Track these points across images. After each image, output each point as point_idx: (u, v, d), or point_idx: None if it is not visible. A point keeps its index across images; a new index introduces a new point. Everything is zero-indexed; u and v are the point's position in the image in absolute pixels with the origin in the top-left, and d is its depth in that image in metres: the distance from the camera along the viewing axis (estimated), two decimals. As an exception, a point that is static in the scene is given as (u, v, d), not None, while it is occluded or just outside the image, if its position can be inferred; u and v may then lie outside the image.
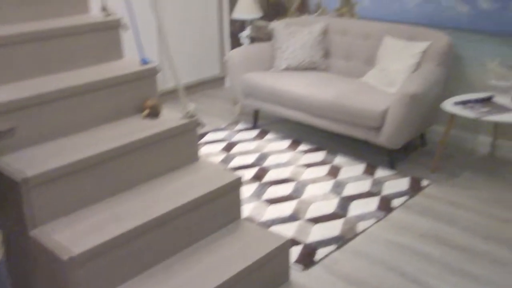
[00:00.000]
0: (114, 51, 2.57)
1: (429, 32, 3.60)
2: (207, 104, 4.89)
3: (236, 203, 2.37)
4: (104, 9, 2.55)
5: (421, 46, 3.50)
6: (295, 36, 4.09)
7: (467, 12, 3.55)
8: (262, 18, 4.80)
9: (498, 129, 3.56)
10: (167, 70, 4.85)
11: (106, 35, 2.53)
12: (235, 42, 5.17)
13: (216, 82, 5.41)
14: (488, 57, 3.50)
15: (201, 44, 5.14)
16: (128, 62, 2.52)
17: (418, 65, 3.50)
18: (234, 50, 4.10)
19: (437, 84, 3.37)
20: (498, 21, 3.42)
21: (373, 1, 4.04)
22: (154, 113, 2.39)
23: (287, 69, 4.09)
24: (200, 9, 5.02)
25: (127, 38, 2.91)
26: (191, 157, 2.42)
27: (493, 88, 3.41)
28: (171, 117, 2.41)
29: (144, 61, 2.46)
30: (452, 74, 3.69)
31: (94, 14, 2.65)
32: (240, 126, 4.26)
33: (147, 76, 2.43)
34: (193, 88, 5.20)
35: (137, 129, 2.26)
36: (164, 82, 4.84)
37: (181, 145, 2.35)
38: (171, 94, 4.91)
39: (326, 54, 4.15)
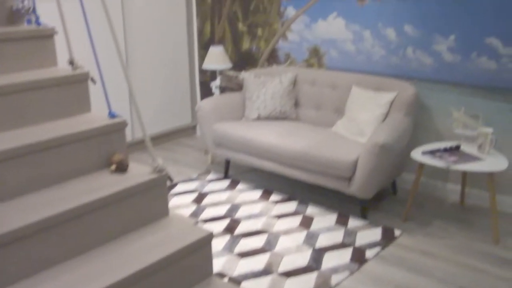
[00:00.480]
0: (82, 104, 2.54)
1: (395, 82, 3.68)
2: (179, 153, 4.85)
3: (208, 259, 2.31)
4: (71, 62, 2.53)
5: (388, 96, 3.56)
6: (265, 86, 4.13)
7: (431, 64, 3.66)
8: (232, 68, 4.85)
9: (466, 177, 3.61)
10: (137, 120, 4.82)
11: (74, 88, 2.50)
12: (206, 92, 5.20)
13: (188, 131, 5.39)
14: (453, 106, 3.59)
15: (172, 93, 5.14)
16: (96, 116, 2.48)
17: (386, 115, 3.56)
18: (204, 100, 4.11)
19: (405, 133, 3.41)
20: (460, 72, 3.53)
21: (340, 53, 4.14)
22: (121, 168, 2.34)
23: (258, 118, 4.11)
24: (172, 59, 5.06)
25: (95, 91, 2.90)
26: (161, 212, 2.37)
27: (459, 136, 3.47)
28: (139, 171, 2.36)
29: (112, 115, 2.43)
30: (419, 123, 3.76)
31: (62, 67, 2.63)
32: (211, 176, 4.21)
33: (115, 130, 2.40)
34: (165, 137, 5.17)
35: (104, 184, 2.21)
36: (136, 131, 4.80)
37: (149, 201, 2.29)
38: (143, 144, 4.87)
39: (296, 104, 4.19)
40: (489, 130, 3.19)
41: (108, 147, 2.41)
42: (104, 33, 3.90)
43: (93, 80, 2.57)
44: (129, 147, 4.72)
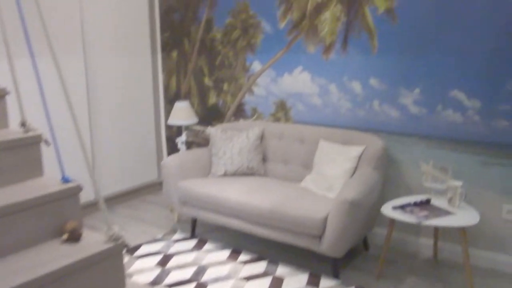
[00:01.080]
0: (34, 168, 2.39)
1: (363, 136, 3.64)
2: (144, 211, 4.67)
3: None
4: (23, 124, 2.40)
5: (356, 150, 3.51)
6: (232, 141, 4.05)
7: (398, 117, 3.64)
8: (199, 123, 4.77)
9: (438, 231, 3.54)
10: (101, 178, 4.65)
11: (25, 152, 2.36)
12: (173, 147, 5.08)
13: (154, 187, 5.23)
14: (422, 159, 3.55)
15: (138, 149, 5.01)
16: (48, 181, 2.33)
17: (355, 169, 3.50)
18: (169, 157, 3.99)
19: (375, 188, 3.34)
20: (427, 125, 3.51)
21: (307, 106, 4.10)
22: (74, 237, 2.18)
23: (225, 175, 4.00)
24: (137, 114, 4.95)
25: (49, 153, 2.75)
26: (117, 285, 2.19)
27: (429, 190, 3.42)
28: (93, 240, 2.20)
29: (65, 180, 2.29)
30: (389, 177, 3.70)
31: (14, 129, 2.49)
32: (177, 235, 4.04)
33: (68, 196, 2.25)
34: (131, 195, 4.99)
35: (54, 257, 2.04)
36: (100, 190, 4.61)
37: (104, 273, 2.13)
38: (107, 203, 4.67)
39: (264, 159, 4.10)
40: (458, 183, 3.15)
41: (61, 215, 2.25)
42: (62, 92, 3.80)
43: (47, 143, 2.44)
44: (92, 206, 4.53)
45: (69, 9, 4.22)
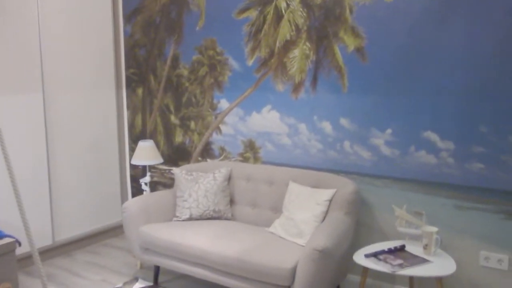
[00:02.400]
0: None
1: (334, 178, 3.48)
2: (105, 256, 4.39)
3: None
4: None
5: (327, 193, 3.34)
6: (197, 182, 3.84)
7: (369, 158, 3.50)
8: (165, 162, 4.56)
9: (413, 279, 3.36)
10: (59, 221, 4.38)
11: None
12: (138, 187, 4.85)
13: (118, 230, 4.96)
14: (395, 202, 3.39)
15: (100, 190, 4.75)
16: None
17: (325, 214, 3.32)
18: (131, 200, 3.75)
19: (347, 234, 3.16)
20: (400, 167, 3.38)
21: (276, 146, 3.94)
22: (8, 302, 1.93)
23: (190, 219, 3.77)
24: (100, 153, 4.72)
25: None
26: None
27: (403, 235, 3.25)
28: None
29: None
30: (361, 221, 3.54)
31: None
32: (138, 284, 3.77)
33: (2, 253, 2.01)
34: (92, 238, 4.71)
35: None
36: (58, 234, 4.33)
37: None
38: (66, 248, 4.39)
39: (231, 201, 3.90)
40: (434, 229, 2.99)
41: (-5, 274, 2.00)
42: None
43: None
44: (49, 251, 4.24)
45: (28, 41, 4.03)
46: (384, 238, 3.47)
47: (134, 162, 4.22)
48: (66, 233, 4.46)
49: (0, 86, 3.85)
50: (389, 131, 3.41)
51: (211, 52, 4.23)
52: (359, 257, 3.00)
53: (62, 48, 4.31)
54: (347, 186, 3.37)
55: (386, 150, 3.43)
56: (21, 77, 4.00)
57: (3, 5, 3.85)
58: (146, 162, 4.19)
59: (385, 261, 2.94)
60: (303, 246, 3.19)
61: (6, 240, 2.02)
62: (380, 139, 3.45)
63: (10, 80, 3.92)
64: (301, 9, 3.68)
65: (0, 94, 3.85)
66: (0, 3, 3.82)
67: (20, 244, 2.02)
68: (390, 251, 3.07)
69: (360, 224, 3.54)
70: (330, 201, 3.34)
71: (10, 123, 3.93)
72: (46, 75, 4.19)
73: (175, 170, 3.98)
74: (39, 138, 4.16)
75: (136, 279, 3.87)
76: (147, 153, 4.19)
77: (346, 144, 3.60)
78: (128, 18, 4.74)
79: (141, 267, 4.13)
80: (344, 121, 3.59)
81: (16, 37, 3.95)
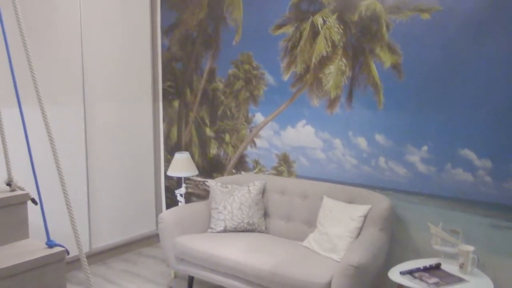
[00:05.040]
0: (19, 230, 2.24)
1: (368, 194, 3.49)
2: (140, 265, 4.48)
3: None
4: (9, 184, 2.27)
5: (362, 209, 3.35)
6: (232, 195, 3.90)
7: (405, 175, 3.50)
8: (199, 174, 4.63)
9: (449, 297, 3.33)
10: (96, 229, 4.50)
11: (12, 212, 2.22)
12: (172, 198, 4.93)
13: (152, 239, 5.05)
14: (431, 220, 3.38)
15: (136, 199, 4.86)
16: (33, 244, 2.18)
17: (360, 229, 3.33)
18: (167, 211, 3.83)
19: (381, 251, 3.17)
20: (436, 184, 3.37)
21: (310, 161, 3.97)
22: (56, 309, 2.01)
23: (225, 231, 3.83)
24: (137, 164, 4.83)
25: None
26: None
27: (439, 253, 3.23)
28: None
29: (50, 244, 2.13)
30: (396, 238, 3.53)
31: (1, 187, 2.36)
32: (173, 294, 3.84)
33: (52, 262, 2.09)
34: (127, 247, 4.81)
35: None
36: (95, 241, 4.45)
37: None
38: (102, 256, 4.50)
39: (265, 215, 3.94)
40: (470, 248, 2.97)
41: (44, 281, 2.08)
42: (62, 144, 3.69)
43: (34, 201, 2.30)
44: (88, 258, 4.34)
45: (72, 54, 4.17)
46: (419, 255, 3.45)
47: (170, 173, 4.31)
48: (103, 241, 4.57)
49: (43, 97, 3.99)
50: (425, 148, 3.40)
51: (247, 67, 4.30)
52: (394, 275, 3.00)
53: (102, 61, 4.44)
54: (382, 202, 3.37)
55: (422, 167, 3.43)
56: (63, 89, 4.14)
57: (49, 19, 4.01)
58: (182, 174, 4.27)
59: (420, 279, 2.93)
60: (337, 261, 3.20)
61: (57, 249, 2.11)
62: (415, 156, 3.44)
63: (53, 92, 4.06)
64: (337, 26, 3.72)
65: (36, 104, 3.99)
66: (45, 18, 3.98)
67: (68, 253, 2.11)
68: (426, 269, 3.06)
69: (395, 240, 3.53)
70: (365, 217, 3.35)
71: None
72: (87, 87, 4.33)
73: (211, 182, 4.05)
74: (79, 147, 4.29)
75: (170, 289, 3.94)
76: (183, 165, 4.27)
77: (381, 160, 3.60)
78: (166, 32, 4.85)
79: (175, 276, 4.20)
80: (379, 137, 3.60)
81: (60, 50, 4.09)
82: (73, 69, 4.21)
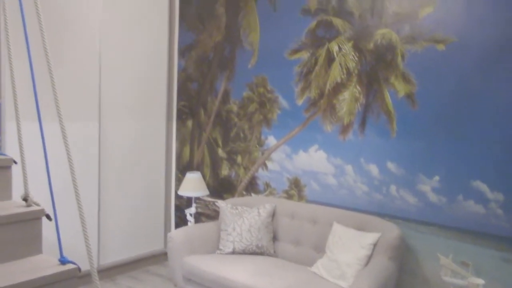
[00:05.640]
0: (32, 245, 2.27)
1: (378, 221, 3.49)
2: (147, 283, 4.48)
3: None
4: (25, 199, 2.30)
5: (371, 237, 3.35)
6: (242, 217, 3.91)
7: (416, 204, 3.50)
8: (210, 194, 4.65)
9: (457, 330, 3.30)
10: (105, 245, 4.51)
11: (26, 227, 2.25)
12: (182, 217, 4.95)
13: (161, 257, 5.05)
14: (441, 250, 3.36)
15: (146, 217, 4.88)
16: (46, 260, 2.21)
17: (369, 257, 3.32)
18: (176, 230, 3.85)
19: (390, 279, 3.15)
20: (447, 215, 3.36)
21: (321, 186, 3.98)
22: (66, 326, 2.03)
23: (233, 252, 3.83)
24: (148, 181, 4.86)
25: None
26: None
27: (448, 285, 3.21)
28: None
29: (63, 261, 2.16)
30: (405, 267, 3.51)
31: (16, 202, 2.40)
32: (179, 314, 3.83)
33: (64, 279, 2.11)
34: (134, 264, 4.82)
35: None
36: (103, 257, 4.46)
37: None
38: (108, 272, 4.51)
39: (274, 238, 3.94)
40: (480, 281, 2.96)
41: (55, 299, 2.11)
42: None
43: (48, 217, 2.33)
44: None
45: (90, 71, 4.25)
46: (428, 286, 3.42)
47: (181, 192, 4.33)
48: (111, 258, 4.58)
49: (54, 112, 4.05)
50: (436, 178, 3.40)
51: (261, 90, 4.34)
52: (403, 305, 2.98)
53: (119, 79, 4.51)
54: (392, 230, 3.37)
55: (433, 197, 3.42)
56: (79, 106, 4.20)
57: (69, 37, 4.09)
58: (193, 194, 4.29)
59: (429, 310, 2.91)
60: (345, 288, 3.19)
61: (69, 266, 2.13)
62: (427, 185, 3.44)
63: (69, 109, 4.12)
64: (353, 53, 3.76)
65: (56, 120, 4.05)
66: (65, 36, 4.06)
67: (80, 271, 2.13)
68: (434, 300, 3.04)
69: (404, 270, 3.51)
70: (375, 244, 3.34)
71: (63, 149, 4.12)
72: (103, 104, 4.39)
73: (221, 203, 4.07)
74: (93, 164, 4.33)
75: (176, 309, 3.93)
76: (194, 185, 4.30)
77: (392, 188, 3.61)
78: (182, 53, 4.93)
79: (182, 297, 4.19)
80: (391, 165, 3.61)
81: (78, 68, 4.17)
82: (90, 87, 4.27)
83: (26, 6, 2.41)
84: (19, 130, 2.35)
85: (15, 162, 2.46)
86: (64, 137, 2.10)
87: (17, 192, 2.47)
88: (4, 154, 2.50)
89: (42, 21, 2.23)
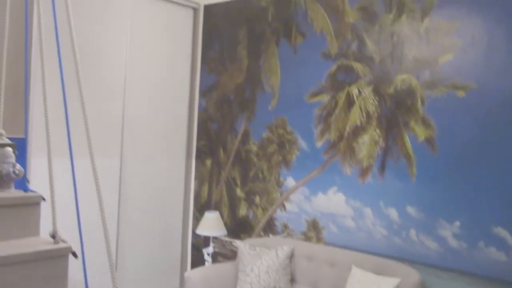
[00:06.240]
0: (58, 283, 2.30)
1: (398, 266, 3.47)
2: (160, 324, 4.45)
3: None
4: (53, 236, 2.34)
5: (391, 282, 3.32)
6: (260, 258, 3.91)
7: (436, 249, 3.48)
8: (227, 234, 4.66)
9: None
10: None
11: (53, 264, 2.29)
12: (198, 255, 4.94)
13: (174, 296, 5.03)
14: (462, 297, 3.33)
15: (162, 254, 4.88)
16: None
17: (389, 303, 3.28)
18: (194, 271, 3.86)
19: (411, 326, 3.11)
20: (468, 261, 3.33)
21: (340, 228, 3.98)
22: None
23: (250, 294, 3.81)
24: (165, 220, 4.89)
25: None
26: None
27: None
28: None
29: (89, 299, 2.18)
30: (425, 314, 3.47)
31: (44, 238, 2.44)
32: None
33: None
34: (148, 302, 4.80)
35: None
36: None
37: None
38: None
39: (292, 280, 3.92)
40: (504, 330, 2.91)
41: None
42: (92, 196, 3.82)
43: (75, 255, 2.37)
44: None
45: (114, 109, 4.35)
46: (449, 333, 3.38)
47: (199, 231, 4.35)
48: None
49: (82, 149, 4.14)
50: (457, 223, 3.39)
51: (281, 131, 4.40)
52: None
53: (141, 118, 4.61)
54: (411, 276, 3.34)
55: (453, 243, 3.41)
56: (103, 143, 4.29)
57: (95, 76, 4.22)
58: (211, 233, 4.31)
59: None
60: (365, 334, 3.15)
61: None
62: (447, 231, 3.43)
63: (94, 145, 4.20)
64: (373, 97, 3.82)
65: (81, 156, 4.13)
66: (93, 74, 4.18)
67: (105, 310, 2.14)
68: None
69: (424, 317, 3.47)
70: (394, 290, 3.31)
71: (87, 185, 4.18)
72: (126, 141, 4.48)
73: (239, 243, 4.07)
74: (112, 200, 4.38)
75: None
76: (212, 224, 4.32)
77: (412, 232, 3.60)
78: (203, 94, 5.03)
79: (197, 338, 4.15)
80: (411, 209, 3.61)
81: (103, 105, 4.28)
82: (114, 125, 4.37)
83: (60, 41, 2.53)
84: (50, 167, 2.41)
85: (44, 199, 2.51)
86: (95, 175, 2.16)
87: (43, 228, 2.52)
88: (32, 191, 2.56)
89: (79, 63, 2.32)
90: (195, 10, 5.10)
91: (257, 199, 4.56)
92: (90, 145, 2.20)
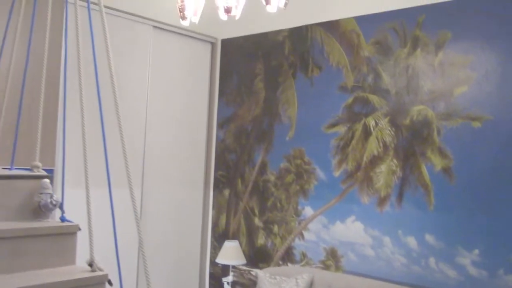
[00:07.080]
0: (95, 310, 2.38)
1: (419, 294, 3.52)
2: None
3: None
4: (90, 264, 2.43)
5: (413, 310, 3.37)
6: (280, 286, 3.96)
7: (456, 277, 3.53)
8: (246, 263, 4.72)
9: None
10: (141, 313, 4.56)
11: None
12: (216, 285, 4.99)
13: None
14: (483, 325, 3.36)
15: (180, 285, 4.93)
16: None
17: (411, 331, 3.33)
18: (216, 299, 3.91)
19: None
20: (488, 289, 3.38)
21: (358, 257, 4.04)
22: None
23: (271, 322, 3.86)
24: (184, 248, 4.96)
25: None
26: None
27: None
28: None
29: (127, 325, 2.26)
30: None
31: (80, 267, 2.52)
32: None
33: None
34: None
35: None
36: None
37: None
38: None
39: (312, 309, 3.97)
40: None
41: None
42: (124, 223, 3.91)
43: (110, 283, 2.45)
44: None
45: (136, 140, 4.48)
46: None
47: (219, 261, 4.42)
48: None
49: (103, 179, 4.25)
50: (476, 251, 3.46)
51: (298, 162, 4.51)
52: None
53: (161, 149, 4.74)
54: (433, 303, 3.39)
55: (473, 271, 3.46)
56: (124, 173, 4.39)
57: (123, 109, 4.35)
58: (230, 262, 4.37)
59: None
60: None
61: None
62: (466, 259, 3.49)
63: (114, 175, 4.31)
64: (389, 128, 3.93)
65: (102, 186, 4.24)
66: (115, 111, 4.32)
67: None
68: None
69: None
70: (416, 318, 3.36)
71: (107, 215, 4.28)
72: (146, 172, 4.59)
73: (259, 272, 4.14)
74: (133, 230, 4.45)
75: None
76: (232, 253, 4.39)
77: (431, 260, 3.66)
78: (221, 125, 5.16)
79: None
80: (429, 238, 3.68)
81: (126, 137, 4.39)
82: (136, 155, 4.50)
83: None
84: (88, 197, 2.52)
85: (80, 229, 2.61)
86: (134, 205, 2.26)
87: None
88: (69, 221, 2.66)
89: (117, 96, 2.45)
90: (213, 44, 5.27)
91: (275, 228, 4.63)
92: (129, 176, 2.31)
